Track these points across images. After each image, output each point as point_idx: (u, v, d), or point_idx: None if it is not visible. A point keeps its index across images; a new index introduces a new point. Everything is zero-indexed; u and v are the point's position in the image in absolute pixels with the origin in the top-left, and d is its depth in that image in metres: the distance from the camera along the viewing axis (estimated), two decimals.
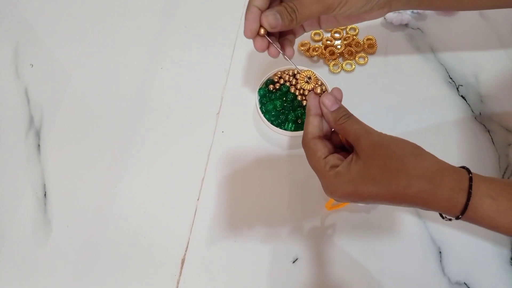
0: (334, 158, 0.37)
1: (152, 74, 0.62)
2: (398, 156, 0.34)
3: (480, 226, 0.35)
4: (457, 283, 0.49)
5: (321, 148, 0.38)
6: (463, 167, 0.35)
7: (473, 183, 0.33)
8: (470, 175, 0.34)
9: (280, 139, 0.56)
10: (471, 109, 0.57)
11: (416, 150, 0.35)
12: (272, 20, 0.38)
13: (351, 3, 0.37)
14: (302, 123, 0.55)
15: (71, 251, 0.53)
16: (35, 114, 0.60)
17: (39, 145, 0.58)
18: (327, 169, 0.36)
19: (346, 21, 0.42)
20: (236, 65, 0.61)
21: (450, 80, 0.59)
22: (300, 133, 0.54)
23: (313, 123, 0.39)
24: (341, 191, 0.35)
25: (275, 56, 0.41)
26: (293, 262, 0.50)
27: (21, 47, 0.65)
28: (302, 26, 0.45)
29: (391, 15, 0.62)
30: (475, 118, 0.57)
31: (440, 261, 0.50)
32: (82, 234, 0.53)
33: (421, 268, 0.50)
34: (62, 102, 0.61)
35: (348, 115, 0.38)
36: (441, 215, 0.37)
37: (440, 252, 0.50)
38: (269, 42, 0.40)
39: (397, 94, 0.59)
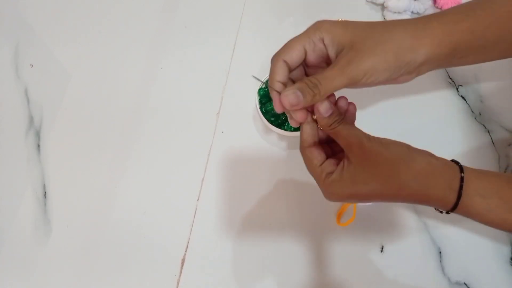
0: (330, 165, 0.38)
1: (152, 74, 0.62)
2: (389, 161, 0.35)
3: (471, 219, 0.36)
4: (457, 283, 0.49)
5: (317, 156, 0.38)
6: (456, 163, 0.36)
7: (464, 183, 0.34)
8: (462, 174, 0.35)
9: (280, 139, 0.56)
10: (471, 109, 0.57)
11: (407, 154, 0.36)
12: (292, 98, 0.36)
13: (377, 74, 0.36)
14: None
15: (71, 251, 0.53)
16: (35, 114, 0.60)
17: (39, 145, 0.58)
18: (323, 176, 0.37)
19: (374, 86, 0.40)
20: (236, 65, 0.61)
21: (450, 80, 0.59)
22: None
23: (307, 131, 0.39)
24: (337, 196, 0.37)
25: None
26: (293, 261, 0.50)
27: (21, 47, 0.65)
28: None
29: (390, 15, 0.62)
30: (475, 118, 0.57)
31: (440, 261, 0.50)
32: (82, 234, 0.53)
33: (421, 268, 0.50)
34: (62, 102, 0.61)
35: (340, 120, 0.38)
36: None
37: (440, 252, 0.50)
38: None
39: (397, 94, 0.59)
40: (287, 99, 0.36)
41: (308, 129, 0.39)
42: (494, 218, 0.34)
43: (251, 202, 0.54)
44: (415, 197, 0.35)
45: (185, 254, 0.52)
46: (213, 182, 0.55)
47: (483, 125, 0.56)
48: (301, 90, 0.36)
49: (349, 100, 0.41)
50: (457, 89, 0.59)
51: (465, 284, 0.49)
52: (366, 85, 0.37)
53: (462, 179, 0.34)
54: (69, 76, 0.62)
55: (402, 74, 0.37)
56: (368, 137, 0.37)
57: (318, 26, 0.37)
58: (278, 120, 0.55)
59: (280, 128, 0.55)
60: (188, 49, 0.63)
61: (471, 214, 0.35)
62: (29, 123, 0.60)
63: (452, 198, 0.34)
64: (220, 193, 0.54)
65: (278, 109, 0.38)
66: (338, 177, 0.36)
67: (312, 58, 0.39)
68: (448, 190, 0.34)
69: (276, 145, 0.56)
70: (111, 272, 0.51)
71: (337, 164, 0.38)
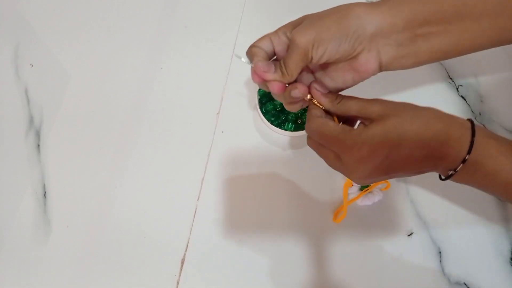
0: (347, 126, 0.38)
1: (152, 74, 0.62)
2: (409, 107, 0.37)
3: (482, 176, 0.37)
4: (457, 283, 0.49)
5: (330, 119, 0.40)
6: (468, 119, 0.38)
7: (476, 127, 0.36)
8: (470, 119, 0.37)
9: (280, 139, 0.56)
10: (471, 109, 0.57)
11: (423, 107, 0.37)
12: (264, 65, 0.39)
13: (324, 44, 0.36)
14: (302, 123, 0.55)
15: (71, 251, 0.53)
16: (35, 114, 0.60)
17: (39, 145, 0.58)
18: (347, 130, 0.37)
19: (347, 75, 0.40)
20: (236, 65, 0.61)
21: (450, 80, 0.59)
22: (300, 133, 0.54)
23: (314, 106, 0.41)
24: (366, 150, 0.36)
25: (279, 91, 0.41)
26: (293, 261, 0.50)
27: (21, 47, 0.65)
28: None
29: None
30: (475, 118, 0.57)
31: (440, 261, 0.50)
32: (82, 234, 0.53)
33: (421, 268, 0.50)
34: (62, 102, 0.61)
35: (343, 95, 0.40)
36: (440, 177, 0.39)
37: (440, 252, 0.50)
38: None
39: (397, 94, 0.59)
40: (259, 65, 0.39)
41: (316, 107, 0.41)
42: (506, 162, 0.35)
43: (251, 202, 0.54)
44: (438, 137, 0.35)
45: (185, 254, 0.52)
46: (213, 182, 0.55)
47: (483, 125, 0.56)
48: (274, 64, 0.40)
49: None
50: (457, 89, 0.59)
51: (465, 284, 0.49)
52: (323, 61, 0.38)
53: (472, 121, 0.37)
54: (69, 76, 0.62)
55: (356, 48, 0.37)
56: (378, 98, 0.38)
57: (286, 23, 0.41)
58: (278, 120, 0.55)
59: (280, 128, 0.55)
60: (188, 49, 0.63)
61: (485, 157, 0.35)
62: (29, 123, 0.60)
63: (469, 136, 0.35)
64: (220, 193, 0.54)
65: (253, 79, 0.41)
66: (364, 128, 0.37)
67: (279, 50, 0.41)
68: (464, 129, 0.36)
69: (276, 145, 0.56)
70: (111, 272, 0.51)
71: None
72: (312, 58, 0.37)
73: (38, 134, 0.59)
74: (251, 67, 0.40)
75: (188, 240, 0.52)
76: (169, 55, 0.63)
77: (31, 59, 0.64)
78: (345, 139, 0.37)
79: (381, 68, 0.39)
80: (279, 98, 0.43)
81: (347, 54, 0.38)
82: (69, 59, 0.64)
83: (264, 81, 0.40)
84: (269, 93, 0.56)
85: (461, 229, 0.51)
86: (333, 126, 0.38)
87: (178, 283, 0.50)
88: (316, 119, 0.39)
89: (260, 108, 0.56)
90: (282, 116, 0.55)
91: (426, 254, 0.50)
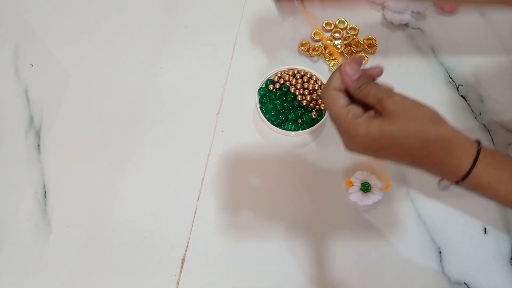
0: (356, 108, 0.38)
1: (152, 74, 0.62)
2: (417, 119, 0.36)
3: (479, 194, 0.37)
4: (457, 283, 0.49)
5: (343, 98, 0.39)
6: (476, 140, 0.37)
7: (480, 154, 0.36)
8: (480, 146, 0.36)
9: (280, 139, 0.56)
10: (471, 109, 0.57)
11: (435, 117, 0.37)
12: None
13: None
14: (302, 123, 0.55)
15: (71, 251, 0.53)
16: (35, 114, 0.60)
17: (39, 145, 0.58)
18: (349, 116, 0.38)
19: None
20: (236, 65, 0.61)
21: (450, 80, 0.59)
22: (300, 132, 0.54)
23: (337, 76, 0.40)
24: (359, 140, 0.37)
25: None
26: (293, 261, 0.50)
27: (21, 47, 0.65)
28: None
29: (390, 15, 0.62)
30: (475, 118, 0.57)
31: (440, 261, 0.50)
32: (82, 234, 0.53)
33: (421, 268, 0.50)
34: (62, 102, 0.61)
35: (368, 81, 0.39)
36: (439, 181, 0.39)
37: (440, 252, 0.50)
38: None
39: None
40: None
41: (338, 74, 0.40)
42: (503, 191, 0.36)
43: (251, 202, 0.54)
44: (434, 158, 0.36)
45: (185, 254, 0.52)
46: (213, 182, 0.55)
47: (483, 124, 0.56)
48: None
49: None
50: (457, 88, 0.59)
51: (465, 284, 0.49)
52: None
53: (479, 151, 0.36)
54: (69, 76, 0.62)
55: None
56: (399, 94, 0.37)
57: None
58: (278, 120, 0.55)
59: (280, 128, 0.55)
60: (188, 49, 0.63)
61: (481, 185, 0.36)
62: (29, 123, 0.60)
63: (467, 164, 0.35)
64: (220, 193, 0.54)
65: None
66: (365, 122, 0.37)
67: None
68: (465, 157, 0.36)
69: (276, 145, 0.56)
70: (111, 272, 0.51)
71: (364, 110, 0.38)
72: None
73: (38, 134, 0.59)
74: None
75: (188, 240, 0.52)
76: (169, 55, 0.63)
77: (31, 59, 0.64)
78: (343, 123, 0.38)
79: None
80: None
81: None
82: (69, 59, 0.64)
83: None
84: (269, 93, 0.57)
85: (461, 229, 0.51)
86: (339, 108, 0.38)
87: (178, 283, 0.50)
88: (330, 91, 0.39)
89: (260, 108, 0.56)
90: (282, 116, 0.55)
91: (426, 254, 0.50)
